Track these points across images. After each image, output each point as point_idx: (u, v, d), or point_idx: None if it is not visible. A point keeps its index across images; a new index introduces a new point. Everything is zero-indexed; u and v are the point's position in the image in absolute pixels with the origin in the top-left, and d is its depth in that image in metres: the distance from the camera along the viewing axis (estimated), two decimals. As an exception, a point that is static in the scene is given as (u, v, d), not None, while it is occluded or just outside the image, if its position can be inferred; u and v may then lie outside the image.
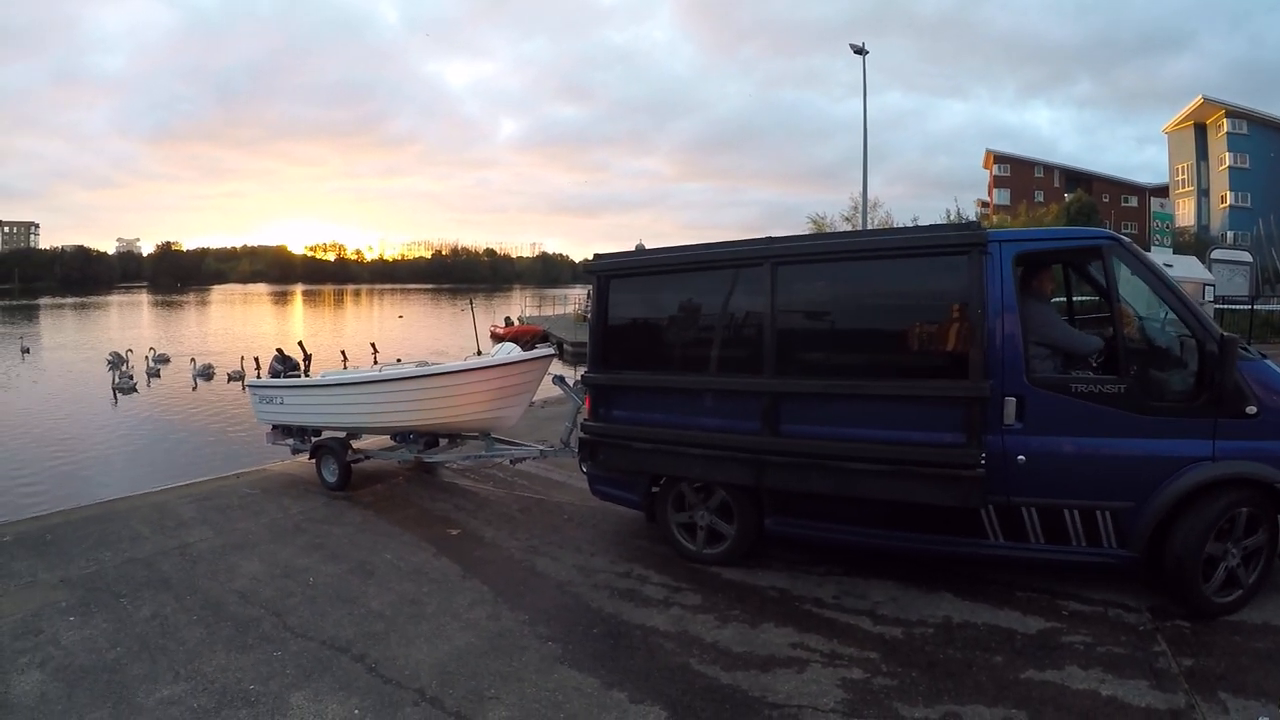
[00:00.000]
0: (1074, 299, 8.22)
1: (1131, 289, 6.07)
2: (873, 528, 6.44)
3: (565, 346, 37.29)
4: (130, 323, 70.30)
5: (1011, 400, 5.72)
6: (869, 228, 42.97)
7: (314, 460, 10.69)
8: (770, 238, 6.72)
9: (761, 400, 6.42)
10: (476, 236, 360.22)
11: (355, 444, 10.86)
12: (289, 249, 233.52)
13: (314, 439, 10.91)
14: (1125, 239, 5.95)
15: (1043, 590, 6.36)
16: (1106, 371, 5.94)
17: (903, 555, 6.70)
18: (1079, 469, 5.66)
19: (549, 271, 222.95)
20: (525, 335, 37.11)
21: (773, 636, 5.77)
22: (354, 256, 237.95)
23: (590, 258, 7.71)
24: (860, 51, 35.18)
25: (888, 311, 6.37)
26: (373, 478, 11.14)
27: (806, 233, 31.87)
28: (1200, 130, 68.04)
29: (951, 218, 60.92)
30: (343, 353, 13.67)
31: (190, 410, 23.17)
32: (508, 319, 54.03)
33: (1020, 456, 5.73)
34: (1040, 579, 6.51)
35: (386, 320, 74.07)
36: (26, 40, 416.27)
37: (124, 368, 29.37)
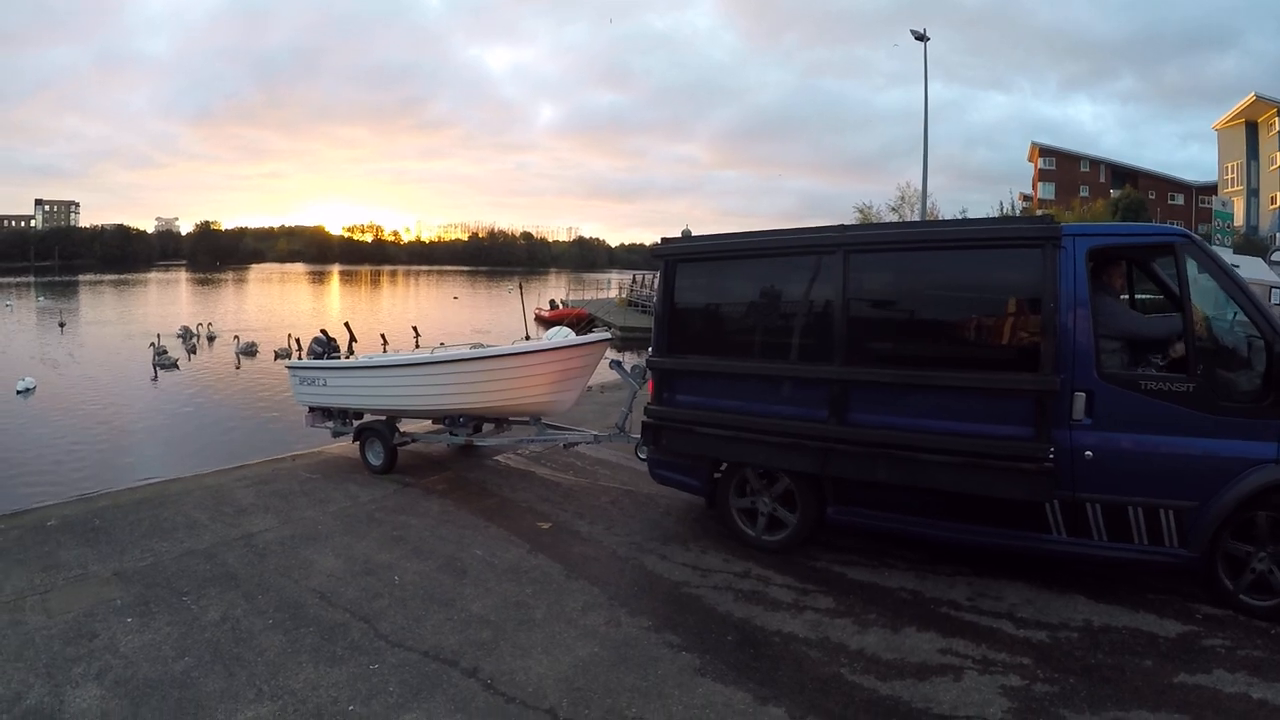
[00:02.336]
0: (1135, 296, 7.99)
1: (1198, 288, 5.84)
2: (936, 519, 6.34)
3: (613, 330, 36.45)
4: (169, 299, 70.20)
5: (1081, 395, 5.66)
6: (926, 219, 42.41)
7: (357, 443, 10.34)
8: (844, 225, 6.72)
9: (830, 388, 6.35)
10: (513, 220, 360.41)
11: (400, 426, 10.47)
12: (326, 230, 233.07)
13: (357, 422, 10.57)
14: (1198, 237, 5.91)
15: (1170, 592, 6.09)
16: (1175, 370, 5.73)
17: (965, 548, 6.55)
18: (1146, 466, 5.56)
19: (585, 255, 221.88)
20: (571, 318, 36.25)
21: (918, 642, 5.34)
22: (391, 238, 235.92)
23: (659, 240, 7.65)
24: (921, 38, 34.13)
25: (959, 303, 6.25)
26: (438, 464, 10.48)
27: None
28: (1251, 129, 65.19)
29: (1004, 211, 59.85)
30: (382, 335, 13.02)
31: (235, 389, 22.66)
32: (553, 301, 53.60)
33: (1088, 452, 5.64)
34: (1164, 580, 6.25)
35: (424, 301, 73.62)
36: (72, 23, 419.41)
37: (193, 341, 30.30)
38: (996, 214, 54.11)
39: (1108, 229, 7.53)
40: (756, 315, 7.16)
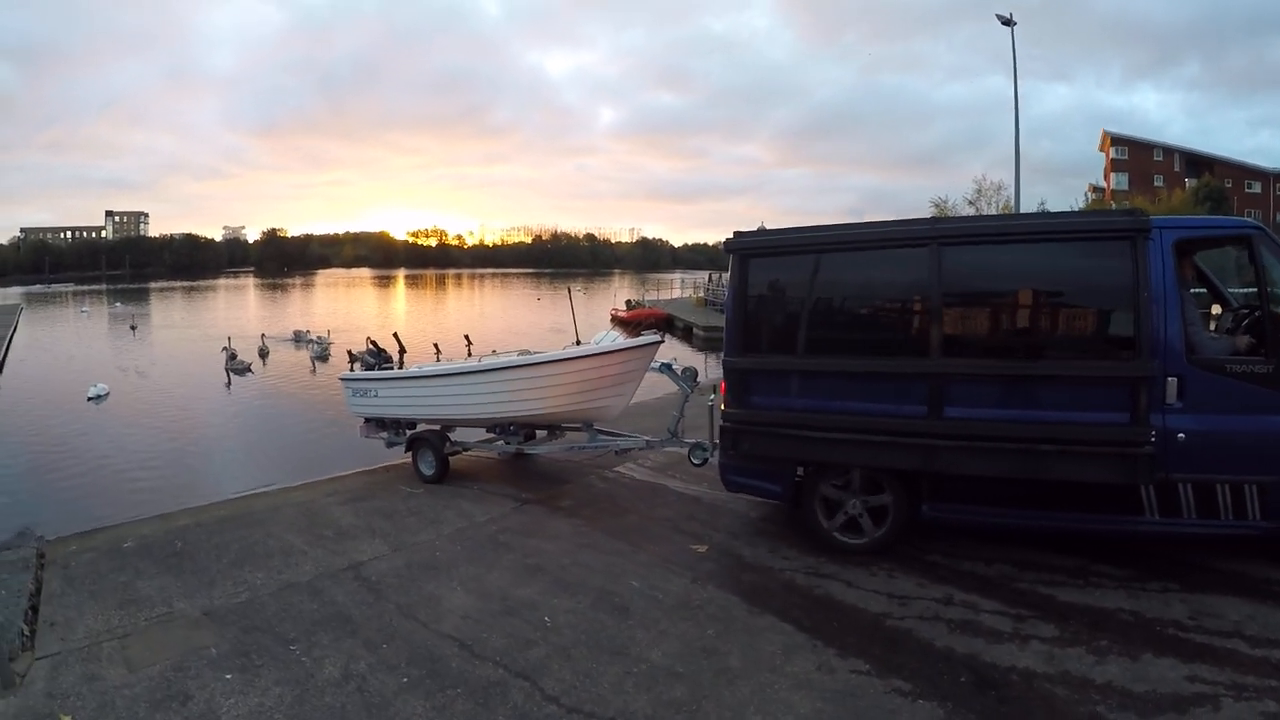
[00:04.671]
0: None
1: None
2: (1031, 509, 6.31)
3: (696, 330, 35.40)
4: (238, 304, 70.17)
5: (1173, 380, 5.79)
6: (1006, 212, 41.46)
7: (410, 453, 10.15)
8: (934, 218, 6.57)
9: (927, 383, 6.23)
10: (575, 222, 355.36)
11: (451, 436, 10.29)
12: (391, 235, 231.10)
13: (409, 432, 10.41)
14: (1268, 230, 6.13)
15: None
16: (1255, 353, 5.94)
17: (1058, 535, 6.49)
18: (1232, 445, 5.73)
19: (648, 256, 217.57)
20: (649, 319, 35.19)
21: (1162, 670, 4.77)
22: (455, 242, 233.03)
23: (731, 234, 7.27)
24: (1008, 22, 32.19)
25: (1053, 294, 6.27)
26: (555, 478, 9.56)
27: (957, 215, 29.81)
28: None
29: (1086, 204, 58.22)
30: (435, 345, 12.31)
31: (311, 394, 21.54)
32: (629, 302, 52.62)
33: (1180, 434, 5.76)
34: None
35: (507, 303, 72.23)
36: (140, 42, 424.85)
37: (264, 345, 29.62)
38: (1073, 208, 53.43)
39: (1191, 221, 7.90)
40: (845, 311, 6.99)
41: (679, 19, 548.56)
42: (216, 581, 6.26)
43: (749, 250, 7.06)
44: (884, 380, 6.47)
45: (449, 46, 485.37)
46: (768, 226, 7.66)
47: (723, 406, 7.12)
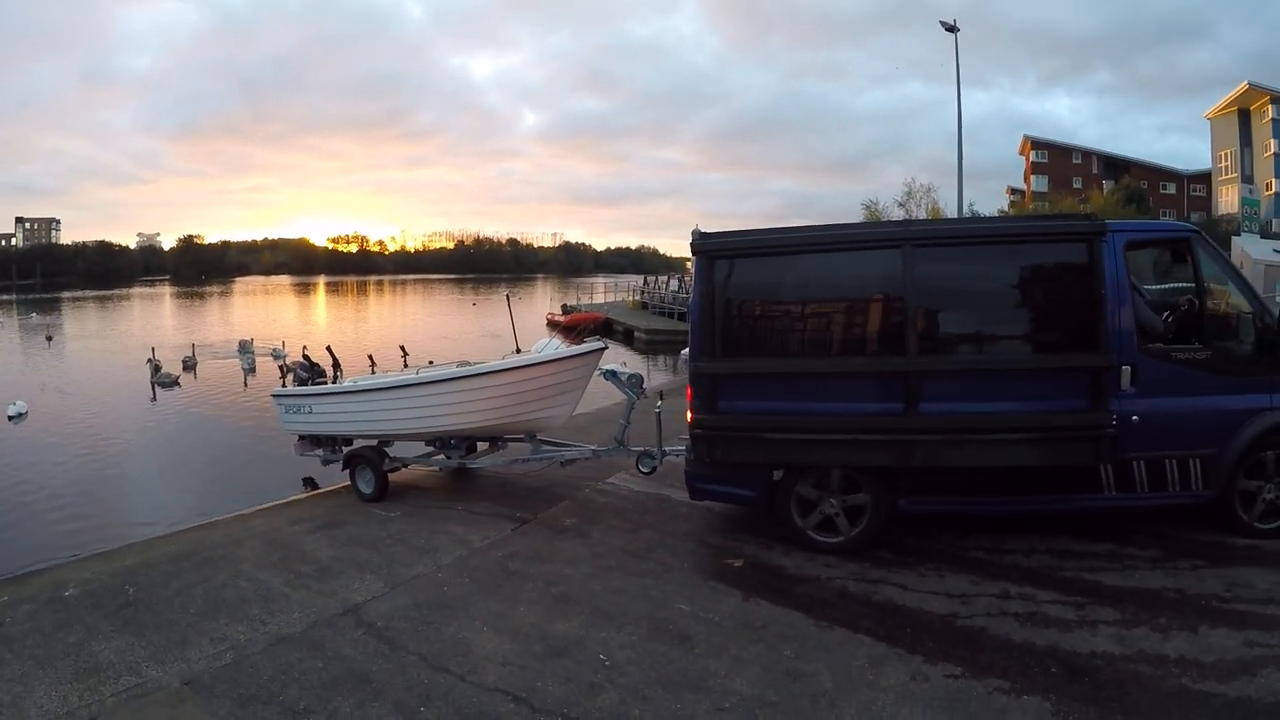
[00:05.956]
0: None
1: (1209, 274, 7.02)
2: (1003, 495, 6.77)
3: (638, 334, 35.19)
4: (154, 314, 67.01)
5: (1127, 369, 6.39)
6: (935, 214, 42.92)
7: (347, 471, 9.72)
8: (906, 220, 7.05)
9: (904, 380, 6.42)
10: (498, 227, 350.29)
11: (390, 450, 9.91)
12: (311, 241, 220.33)
13: (346, 448, 10.02)
14: (1204, 234, 7.02)
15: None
16: (1189, 342, 6.72)
17: (1026, 517, 6.97)
18: (1178, 423, 6.46)
19: (571, 261, 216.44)
20: (586, 323, 34.42)
21: (1222, 640, 5.09)
22: (376, 248, 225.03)
23: (696, 235, 7.09)
24: (951, 29, 32.09)
25: (1018, 291, 6.67)
26: (548, 495, 8.99)
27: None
28: (1244, 116, 64.43)
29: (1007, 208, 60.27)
30: (370, 357, 11.80)
31: (245, 408, 20.23)
32: (565, 306, 51.85)
33: (1134, 416, 6.36)
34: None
35: (440, 310, 69.63)
36: (55, 42, 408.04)
37: (189, 358, 27.38)
38: (1003, 212, 59.17)
39: (1140, 225, 9.20)
40: (818, 312, 6.95)
41: (605, 23, 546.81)
42: (190, 639, 5.37)
43: (717, 251, 6.93)
44: (860, 379, 6.67)
45: (372, 49, 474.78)
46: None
47: (690, 413, 6.90)
